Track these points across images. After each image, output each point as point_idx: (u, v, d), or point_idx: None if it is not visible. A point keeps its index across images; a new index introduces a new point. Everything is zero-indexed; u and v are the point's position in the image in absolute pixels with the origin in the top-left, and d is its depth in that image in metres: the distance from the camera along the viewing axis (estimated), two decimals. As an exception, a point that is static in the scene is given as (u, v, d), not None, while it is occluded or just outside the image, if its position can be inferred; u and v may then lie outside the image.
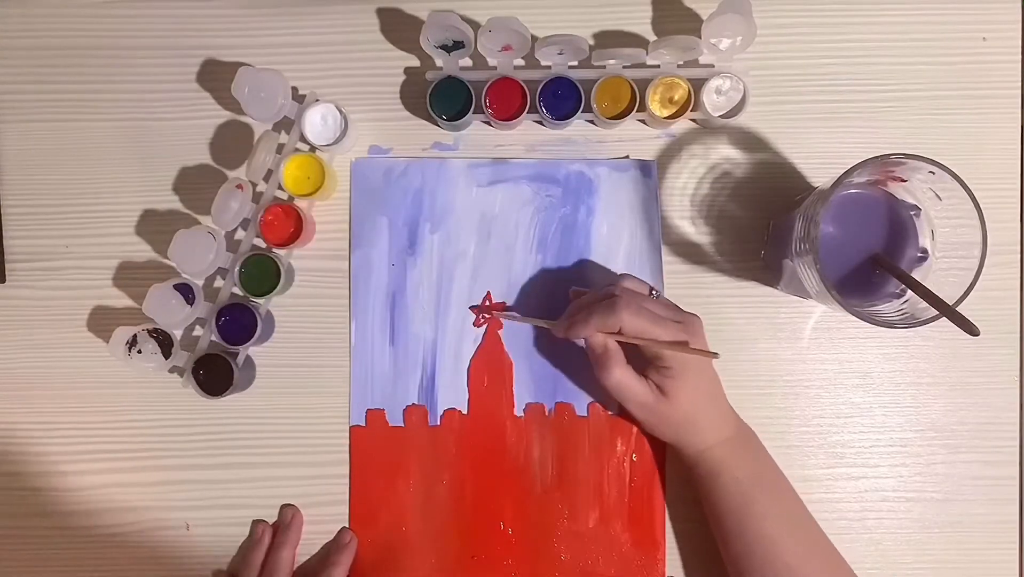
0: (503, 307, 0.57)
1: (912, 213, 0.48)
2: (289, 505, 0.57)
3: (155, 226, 0.57)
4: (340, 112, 0.55)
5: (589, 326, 0.49)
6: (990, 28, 0.57)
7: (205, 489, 0.57)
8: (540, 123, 0.57)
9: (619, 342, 0.50)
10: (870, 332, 0.57)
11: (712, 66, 0.56)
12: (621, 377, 0.50)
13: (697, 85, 0.55)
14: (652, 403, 0.50)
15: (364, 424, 0.56)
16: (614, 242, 0.57)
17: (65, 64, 0.58)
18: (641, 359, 0.51)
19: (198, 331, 0.56)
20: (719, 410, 0.52)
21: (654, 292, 0.51)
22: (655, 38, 0.57)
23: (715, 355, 0.47)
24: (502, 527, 0.56)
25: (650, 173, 0.57)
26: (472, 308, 0.57)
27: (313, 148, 0.56)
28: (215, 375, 0.54)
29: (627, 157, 0.57)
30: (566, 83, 0.55)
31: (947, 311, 0.42)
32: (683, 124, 0.57)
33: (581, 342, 0.54)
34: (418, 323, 0.57)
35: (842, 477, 0.57)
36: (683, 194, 0.57)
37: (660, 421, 0.52)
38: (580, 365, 0.56)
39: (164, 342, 0.54)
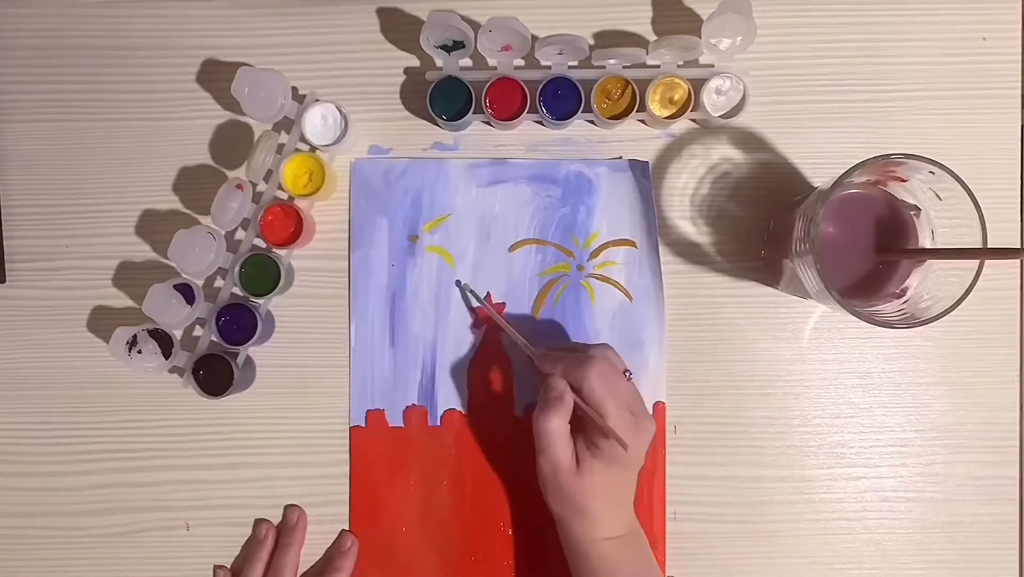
0: (502, 308, 0.57)
1: (912, 213, 0.48)
2: (294, 506, 0.57)
3: (155, 226, 0.57)
4: (340, 112, 0.55)
5: (557, 365, 0.49)
6: (990, 28, 0.57)
7: (205, 489, 0.57)
8: (540, 123, 0.57)
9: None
10: (870, 332, 0.57)
11: (712, 66, 0.56)
12: (557, 427, 0.48)
13: (697, 85, 0.55)
14: (564, 469, 0.48)
15: (364, 424, 0.56)
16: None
17: (65, 64, 0.58)
18: (577, 423, 0.49)
19: (198, 331, 0.56)
20: (620, 508, 0.50)
21: (628, 373, 0.50)
22: (655, 38, 0.57)
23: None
24: (502, 527, 0.56)
25: (647, 174, 0.57)
26: (472, 309, 0.57)
27: (313, 148, 0.56)
28: (215, 375, 0.54)
29: (620, 158, 0.57)
30: (566, 83, 0.55)
31: (984, 254, 0.42)
32: (683, 124, 0.57)
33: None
34: (418, 323, 0.57)
35: (842, 477, 0.57)
36: (683, 194, 0.57)
37: (559, 491, 0.48)
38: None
39: (164, 342, 0.53)
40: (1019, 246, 0.56)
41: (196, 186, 0.57)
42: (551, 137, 0.57)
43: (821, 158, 0.57)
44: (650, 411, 0.56)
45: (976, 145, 0.57)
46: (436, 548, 0.56)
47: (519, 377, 0.56)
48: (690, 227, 0.57)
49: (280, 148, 0.56)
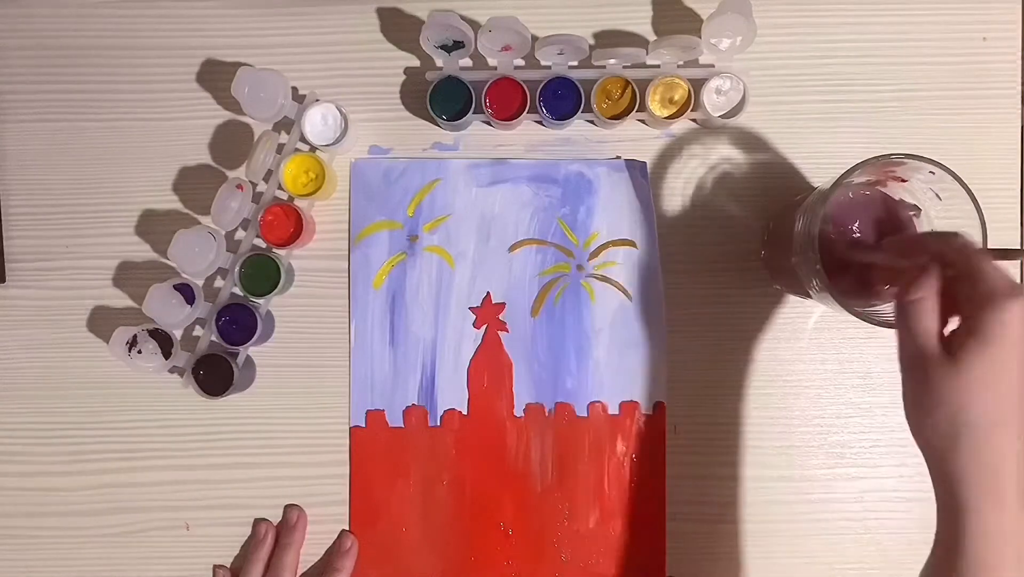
0: (503, 308, 0.57)
1: (912, 213, 0.48)
2: (294, 505, 0.57)
3: (155, 226, 0.57)
4: (340, 112, 0.55)
5: (939, 243, 0.40)
6: (990, 28, 0.57)
7: (205, 489, 0.57)
8: (540, 123, 0.57)
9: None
10: (870, 332, 0.56)
11: (712, 66, 0.56)
12: (926, 301, 0.38)
13: (697, 85, 0.55)
14: (931, 355, 0.37)
15: (364, 425, 0.56)
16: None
17: (65, 64, 0.58)
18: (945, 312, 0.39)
19: (198, 331, 0.56)
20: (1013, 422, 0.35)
21: None
22: (655, 38, 0.57)
23: None
24: (502, 527, 0.56)
25: (645, 174, 0.57)
26: (472, 309, 0.57)
27: (313, 148, 0.56)
28: (215, 375, 0.54)
29: (618, 158, 0.57)
30: (566, 83, 0.55)
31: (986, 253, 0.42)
32: (683, 124, 0.57)
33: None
34: (418, 324, 0.57)
35: (842, 477, 0.57)
36: (683, 194, 0.57)
37: (928, 392, 0.37)
38: (579, 365, 0.56)
39: (164, 342, 0.53)
40: (1019, 246, 0.56)
41: (196, 186, 0.57)
42: (551, 137, 0.57)
43: (821, 158, 0.57)
44: (650, 411, 0.56)
45: (976, 145, 0.57)
46: (436, 548, 0.56)
47: (519, 377, 0.56)
48: (690, 227, 0.57)
49: (280, 148, 0.56)
